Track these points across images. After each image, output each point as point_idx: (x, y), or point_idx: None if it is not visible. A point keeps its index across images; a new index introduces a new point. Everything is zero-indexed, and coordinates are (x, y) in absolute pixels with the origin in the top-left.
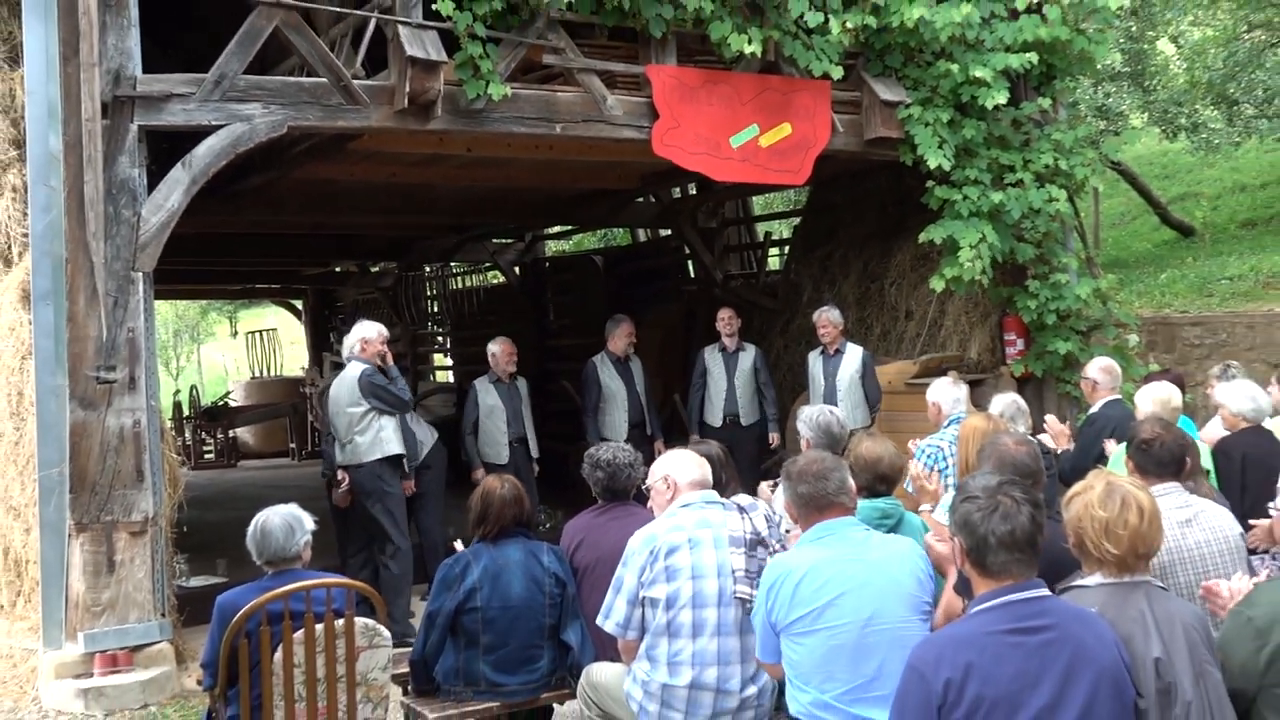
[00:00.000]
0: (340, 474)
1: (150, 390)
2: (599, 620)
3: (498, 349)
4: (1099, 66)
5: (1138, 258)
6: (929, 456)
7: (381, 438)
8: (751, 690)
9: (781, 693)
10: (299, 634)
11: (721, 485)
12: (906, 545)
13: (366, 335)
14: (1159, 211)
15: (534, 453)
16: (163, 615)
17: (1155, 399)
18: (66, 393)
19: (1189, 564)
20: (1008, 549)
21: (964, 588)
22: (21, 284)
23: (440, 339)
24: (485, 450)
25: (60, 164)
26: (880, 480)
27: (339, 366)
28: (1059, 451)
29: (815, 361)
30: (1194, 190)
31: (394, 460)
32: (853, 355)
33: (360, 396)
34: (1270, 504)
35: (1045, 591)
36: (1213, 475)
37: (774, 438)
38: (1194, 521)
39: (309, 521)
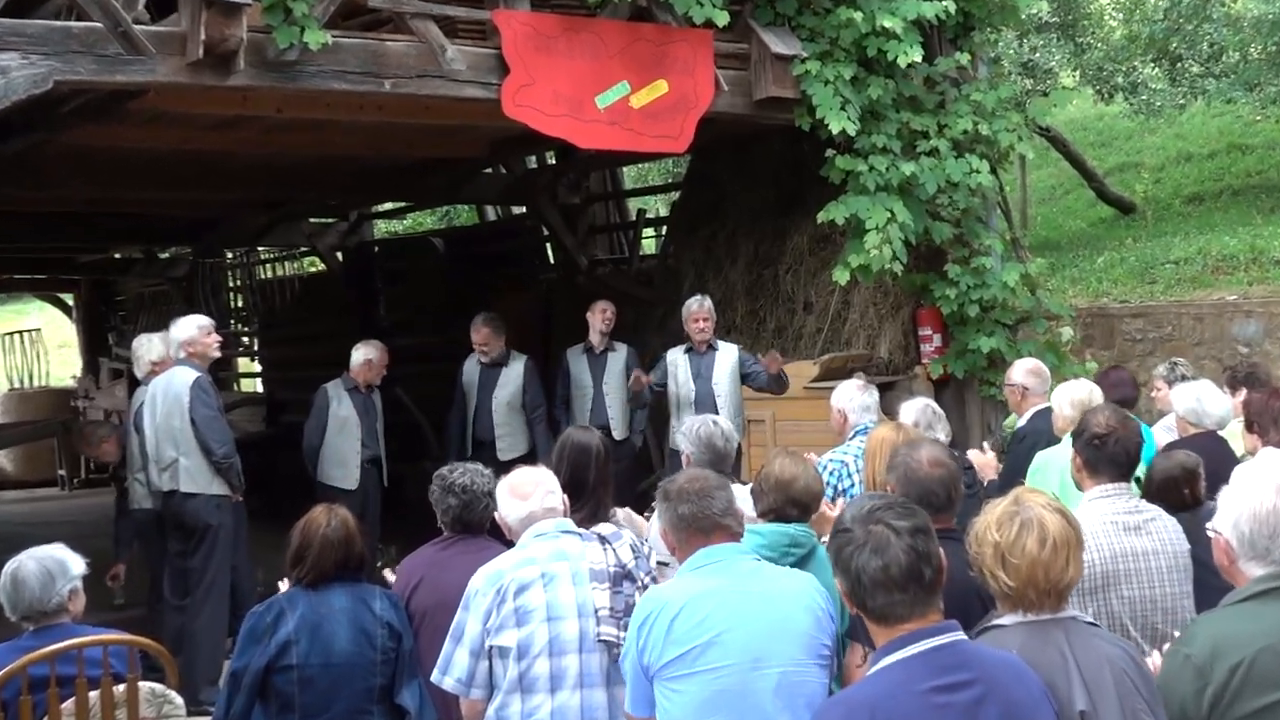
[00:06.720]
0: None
1: None
2: (435, 676)
3: (374, 355)
4: (1024, 16)
5: (1071, 238)
6: (832, 474)
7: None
8: None
9: None
10: (68, 703)
11: (588, 488)
12: (804, 579)
13: (186, 335)
14: (1094, 185)
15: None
16: None
17: (1073, 400)
18: None
19: (1134, 576)
20: (885, 589)
21: (859, 633)
22: None
23: (246, 340)
24: (331, 472)
25: None
26: (792, 504)
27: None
28: (985, 482)
29: (679, 361)
30: (1134, 160)
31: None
32: (728, 352)
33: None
34: (1208, 525)
35: (958, 635)
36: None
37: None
38: (1143, 529)
39: (76, 565)
